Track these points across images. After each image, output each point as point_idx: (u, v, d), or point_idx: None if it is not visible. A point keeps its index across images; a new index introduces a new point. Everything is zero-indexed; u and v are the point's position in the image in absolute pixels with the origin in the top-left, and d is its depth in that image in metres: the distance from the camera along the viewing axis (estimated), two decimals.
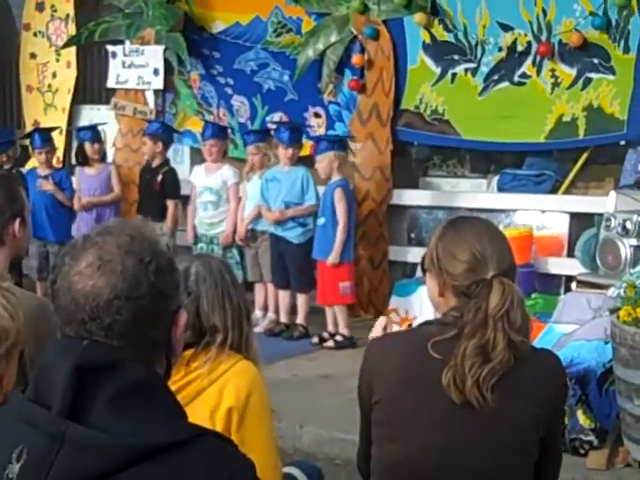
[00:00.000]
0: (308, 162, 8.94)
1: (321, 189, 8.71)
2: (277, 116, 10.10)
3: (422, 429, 2.77)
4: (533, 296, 8.18)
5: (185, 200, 9.59)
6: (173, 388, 2.03)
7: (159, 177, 9.40)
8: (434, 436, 2.75)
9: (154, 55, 10.59)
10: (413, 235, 9.54)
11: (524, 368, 2.76)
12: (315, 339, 8.58)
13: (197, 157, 10.42)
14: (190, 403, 2.96)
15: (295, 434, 6.42)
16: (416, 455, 2.78)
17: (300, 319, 8.82)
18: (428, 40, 9.21)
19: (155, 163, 9.52)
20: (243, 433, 3.08)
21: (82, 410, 1.76)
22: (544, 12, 8.57)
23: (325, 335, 8.57)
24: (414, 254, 9.11)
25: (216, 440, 1.86)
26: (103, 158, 9.99)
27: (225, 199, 9.21)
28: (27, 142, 10.38)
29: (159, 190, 9.38)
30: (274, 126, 9.39)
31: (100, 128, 10.07)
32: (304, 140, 9.14)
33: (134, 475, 1.72)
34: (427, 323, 2.94)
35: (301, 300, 8.81)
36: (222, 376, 3.13)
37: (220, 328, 3.17)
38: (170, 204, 9.34)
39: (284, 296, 8.88)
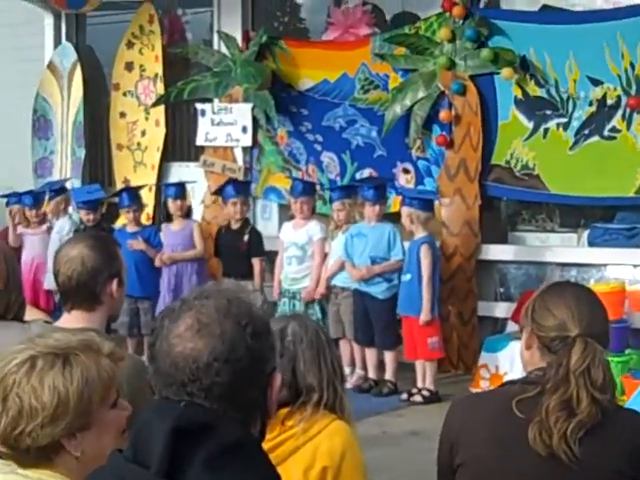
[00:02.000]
0: (396, 218, 9.07)
1: (406, 244, 8.83)
2: (366, 172, 10.30)
3: None
4: (627, 352, 8.19)
5: (272, 256, 9.77)
6: (268, 446, 2.12)
7: (245, 237, 9.63)
8: None
9: (242, 113, 10.88)
10: (502, 290, 9.61)
11: (611, 424, 2.78)
12: (404, 395, 8.68)
13: (284, 213, 10.61)
14: (284, 461, 3.02)
15: None
16: None
17: (389, 375, 8.93)
18: (520, 95, 9.39)
19: (237, 225, 9.76)
20: None
21: (179, 471, 1.83)
22: (632, 65, 8.68)
23: (413, 390, 8.67)
24: (503, 309, 9.21)
25: None
26: (188, 215, 10.22)
27: (310, 255, 9.40)
28: (116, 200, 10.70)
29: (245, 249, 9.61)
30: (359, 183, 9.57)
31: (189, 186, 10.32)
32: (393, 196, 9.29)
33: None
34: (510, 383, 3.00)
35: (389, 356, 8.93)
36: (317, 435, 3.19)
37: (315, 388, 3.23)
38: (256, 262, 9.58)
39: (371, 352, 9.01)
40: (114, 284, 3.64)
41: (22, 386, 2.33)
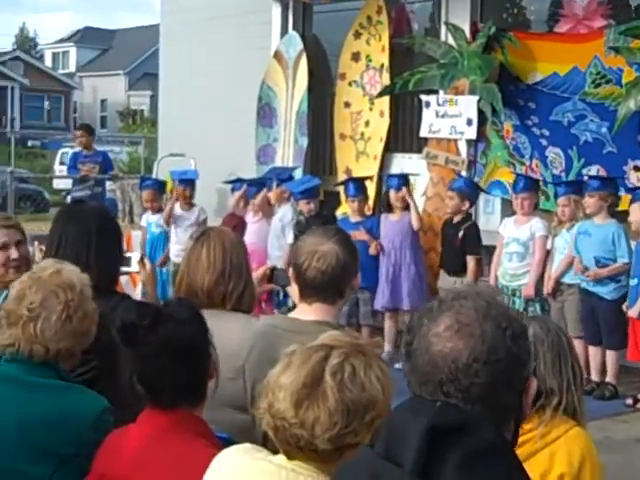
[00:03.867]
0: (623, 217, 8.92)
1: (633, 244, 8.69)
2: (594, 169, 10.13)
3: None
4: None
5: (493, 250, 9.75)
6: None
7: (460, 233, 9.66)
8: None
9: (468, 105, 10.90)
10: None
11: None
12: (629, 400, 8.54)
13: (507, 208, 10.57)
14: None
15: None
16: None
17: (610, 378, 8.84)
18: None
19: (457, 219, 9.81)
20: None
21: (432, 470, 1.84)
22: None
23: (639, 396, 8.50)
24: None
25: None
26: (407, 207, 10.29)
27: (531, 252, 9.34)
28: (339, 189, 10.89)
29: (460, 246, 9.62)
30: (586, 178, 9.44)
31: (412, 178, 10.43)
32: (622, 194, 9.12)
33: None
34: None
35: (611, 358, 8.83)
36: (555, 441, 3.20)
37: (555, 391, 3.25)
38: (471, 260, 9.64)
39: (595, 353, 8.91)
40: (357, 278, 3.75)
41: (352, 382, 2.38)
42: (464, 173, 10.95)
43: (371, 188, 11.48)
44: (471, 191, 10.04)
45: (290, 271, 3.84)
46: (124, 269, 4.73)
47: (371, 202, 11.47)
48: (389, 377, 2.47)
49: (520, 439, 2.96)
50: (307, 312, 3.72)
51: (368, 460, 1.96)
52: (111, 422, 3.19)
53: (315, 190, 10.64)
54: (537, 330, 3.30)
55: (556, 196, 9.62)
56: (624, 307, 8.64)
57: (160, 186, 12.06)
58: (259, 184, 11.41)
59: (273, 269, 4.93)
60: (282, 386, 2.40)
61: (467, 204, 9.89)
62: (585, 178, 9.73)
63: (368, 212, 11.01)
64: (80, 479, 3.07)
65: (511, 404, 2.02)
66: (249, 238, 10.99)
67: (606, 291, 8.74)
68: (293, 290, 4.00)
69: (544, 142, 10.61)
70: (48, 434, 3.16)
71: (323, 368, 2.39)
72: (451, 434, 1.87)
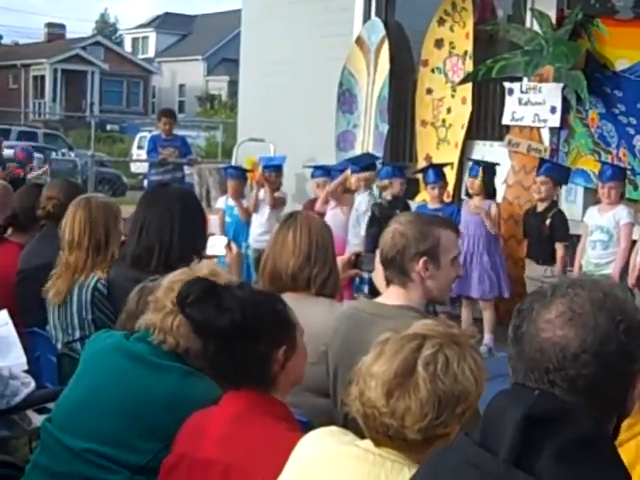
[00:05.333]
0: None
1: None
2: None
3: None
4: None
5: (573, 240, 9.69)
6: None
7: (548, 220, 9.59)
8: None
9: (552, 93, 10.82)
10: None
11: None
12: None
13: (590, 197, 10.49)
14: None
15: None
16: None
17: None
18: None
19: (542, 207, 9.76)
20: None
21: (528, 459, 1.84)
22: None
23: None
24: None
25: None
26: (492, 194, 10.25)
27: (616, 240, 9.28)
28: (418, 176, 10.89)
29: (548, 233, 9.57)
30: None
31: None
32: None
33: None
34: None
35: None
36: None
37: None
38: (559, 247, 9.57)
39: None
40: (420, 263, 3.69)
41: (445, 373, 2.42)
42: None
43: (451, 175, 11.45)
44: (560, 174, 9.96)
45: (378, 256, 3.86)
46: (210, 252, 4.78)
47: (451, 189, 11.45)
48: (482, 369, 2.50)
49: None
50: (389, 295, 3.76)
51: (464, 447, 1.96)
52: None
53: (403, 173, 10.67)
54: None
55: None
56: None
57: (244, 175, 12.13)
58: (340, 171, 11.42)
59: (358, 255, 4.93)
60: (374, 375, 2.44)
61: (558, 188, 9.82)
62: None
63: (447, 199, 11.00)
64: None
65: (616, 398, 2.01)
66: None
67: None
68: (377, 276, 4.03)
69: (631, 131, 10.47)
70: (163, 414, 3.27)
71: (416, 358, 2.42)
72: (550, 424, 1.86)
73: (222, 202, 12.14)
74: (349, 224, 10.77)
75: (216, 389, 3.23)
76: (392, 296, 3.75)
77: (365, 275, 8.48)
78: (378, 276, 3.98)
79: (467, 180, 10.45)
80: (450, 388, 2.39)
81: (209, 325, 3.00)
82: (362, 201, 10.75)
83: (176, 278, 3.46)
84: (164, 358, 3.40)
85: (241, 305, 3.01)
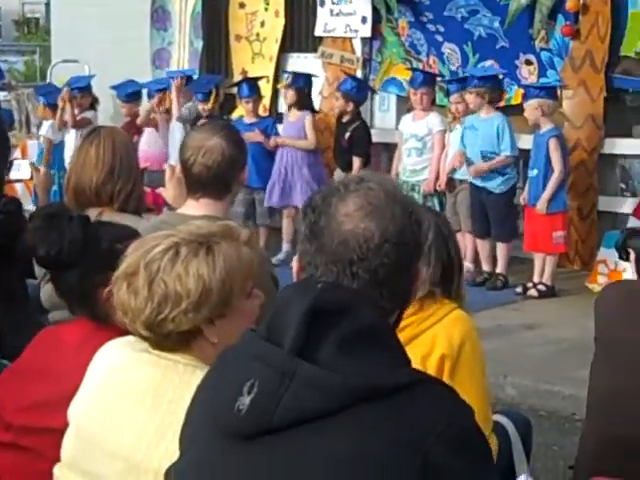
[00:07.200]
0: (517, 110, 9.12)
1: (528, 138, 8.88)
2: (488, 63, 10.27)
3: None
4: None
5: (390, 148, 9.95)
6: None
7: (347, 134, 9.83)
8: None
9: (362, 3, 10.96)
10: (625, 185, 9.60)
11: None
12: (519, 289, 8.84)
13: (403, 106, 10.74)
14: None
15: (498, 384, 6.59)
16: (631, 385, 3.09)
17: (500, 269, 9.10)
18: None
19: (345, 119, 9.99)
20: (455, 381, 3.22)
21: (312, 350, 1.88)
22: None
23: (529, 285, 8.82)
24: (625, 205, 9.22)
25: (438, 387, 1.97)
26: (308, 106, 10.37)
27: (430, 147, 9.55)
28: (234, 91, 10.95)
29: (347, 146, 9.82)
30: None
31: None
32: (515, 88, 9.32)
33: (356, 414, 1.85)
34: None
35: (501, 250, 9.08)
36: (436, 324, 3.33)
37: (427, 282, 3.35)
38: (356, 161, 9.81)
39: (485, 245, 9.18)
40: (245, 172, 3.87)
41: (167, 272, 2.47)
42: (359, 71, 11.05)
43: (267, 89, 11.55)
44: (357, 92, 10.14)
45: (178, 167, 3.94)
46: (15, 177, 4.74)
47: (267, 103, 11.57)
48: (224, 267, 2.51)
49: (402, 324, 3.12)
50: (195, 207, 3.81)
51: (249, 341, 2.01)
52: None
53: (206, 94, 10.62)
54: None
55: (448, 94, 9.75)
56: (522, 199, 8.93)
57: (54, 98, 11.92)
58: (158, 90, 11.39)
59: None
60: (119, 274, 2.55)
61: (351, 105, 9.98)
62: (467, 74, 9.72)
63: (264, 113, 11.11)
64: None
65: (405, 289, 2.12)
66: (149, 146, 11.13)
67: (494, 185, 8.94)
68: (167, 191, 4.12)
69: (440, 38, 10.70)
70: None
71: (144, 258, 2.49)
72: (332, 315, 1.92)
73: (44, 128, 11.90)
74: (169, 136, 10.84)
75: None
76: (197, 207, 3.81)
77: None
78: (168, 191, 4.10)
79: (282, 91, 10.56)
80: (173, 286, 2.46)
81: (35, 255, 3.09)
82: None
83: None
84: None
85: (62, 239, 3.06)
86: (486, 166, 8.92)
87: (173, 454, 2.14)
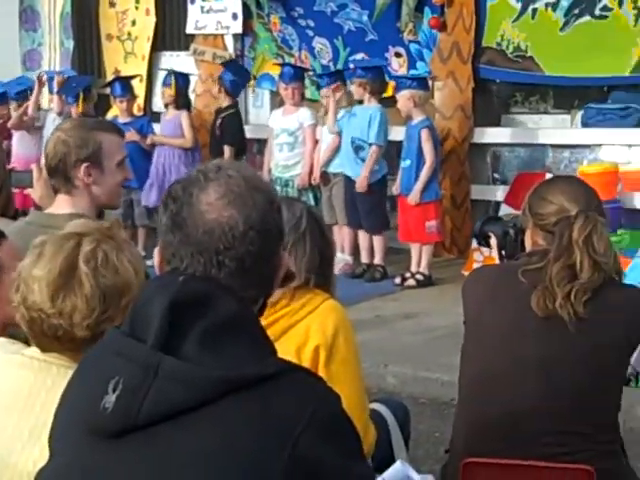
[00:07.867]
0: (391, 102, 9.27)
1: (401, 129, 9.07)
2: (359, 57, 10.42)
3: (511, 342, 3.14)
4: (619, 232, 8.37)
5: (265, 144, 10.02)
6: None
7: (218, 121, 9.91)
8: (524, 349, 3.11)
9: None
10: (496, 174, 9.86)
11: (612, 292, 3.11)
12: (397, 279, 8.95)
13: (276, 101, 10.80)
14: (277, 341, 2.94)
15: (379, 373, 6.70)
16: (501, 367, 3.15)
17: (378, 260, 9.17)
18: None
19: (220, 107, 10.10)
20: (330, 371, 3.24)
21: (176, 344, 1.88)
22: None
23: (407, 275, 8.95)
24: (497, 192, 9.46)
25: (304, 375, 1.97)
26: (184, 105, 10.36)
27: (301, 141, 9.61)
28: (109, 91, 10.90)
29: (219, 135, 9.91)
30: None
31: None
32: (387, 80, 9.49)
33: (223, 407, 1.84)
34: (516, 258, 3.38)
35: (377, 241, 9.15)
36: (309, 315, 3.31)
37: (303, 270, 3.36)
38: (227, 150, 9.84)
39: (363, 237, 9.24)
40: (82, 169, 3.72)
41: (104, 268, 2.45)
42: None
43: (141, 88, 11.53)
44: (230, 84, 10.18)
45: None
46: None
47: (142, 102, 11.54)
48: (140, 260, 2.55)
49: (275, 315, 3.23)
50: (57, 204, 3.80)
51: (112, 339, 2.00)
52: None
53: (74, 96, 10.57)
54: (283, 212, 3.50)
55: (319, 87, 9.88)
56: (394, 189, 9.07)
57: None
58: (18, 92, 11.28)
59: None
60: (36, 277, 2.46)
61: (224, 94, 10.11)
62: (351, 66, 9.92)
63: (139, 112, 11.08)
64: None
65: (269, 278, 2.11)
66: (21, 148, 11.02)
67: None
68: (35, 191, 4.11)
69: (310, 33, 10.82)
70: None
71: (77, 255, 2.45)
72: (193, 307, 1.92)
73: None
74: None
75: None
76: (61, 205, 3.78)
77: None
78: (37, 191, 4.09)
79: (161, 90, 10.54)
80: (112, 281, 2.45)
81: None
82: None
83: None
84: None
85: None
86: (366, 172, 8.92)
87: (47, 456, 2.13)
